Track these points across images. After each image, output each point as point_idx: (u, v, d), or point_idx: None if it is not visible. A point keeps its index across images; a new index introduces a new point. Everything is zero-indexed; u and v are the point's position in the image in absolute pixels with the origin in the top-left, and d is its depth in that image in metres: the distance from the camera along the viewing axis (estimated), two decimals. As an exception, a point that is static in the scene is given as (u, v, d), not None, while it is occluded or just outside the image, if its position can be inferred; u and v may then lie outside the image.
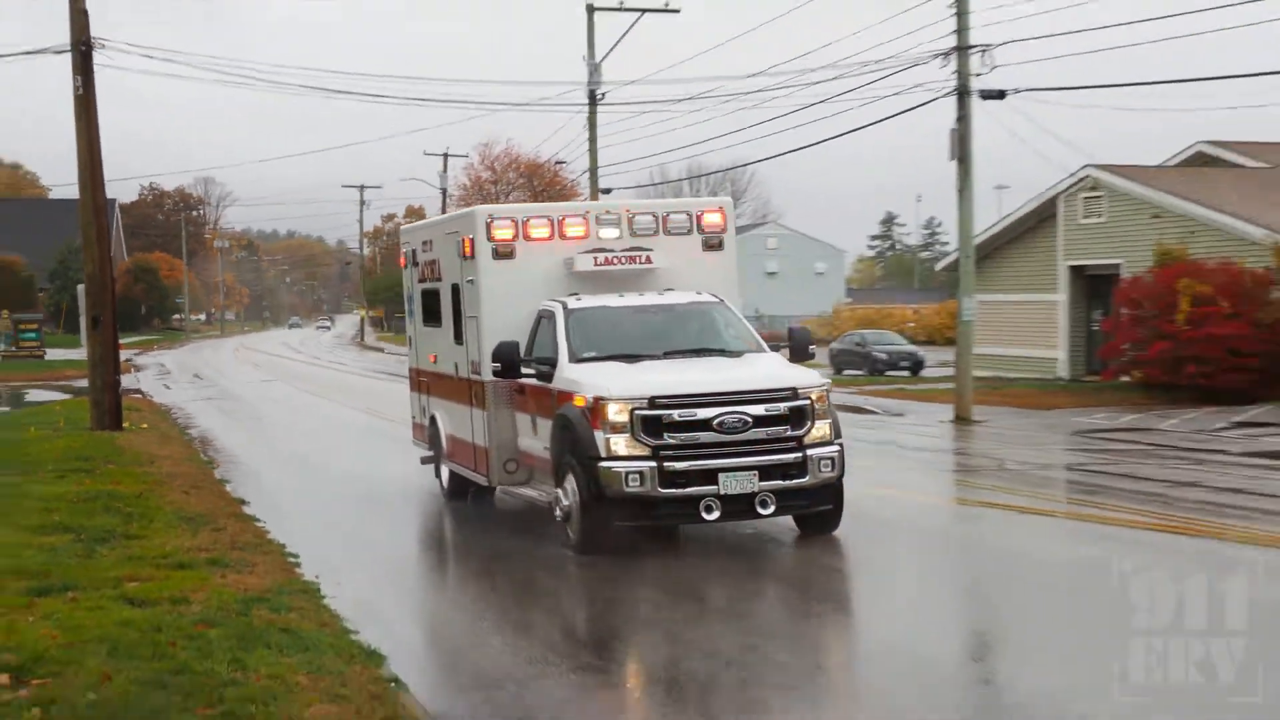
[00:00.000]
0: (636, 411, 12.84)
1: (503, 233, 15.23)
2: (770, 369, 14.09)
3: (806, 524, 14.18)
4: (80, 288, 30.56)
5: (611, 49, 42.33)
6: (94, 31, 25.79)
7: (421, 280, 18.63)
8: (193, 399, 39.98)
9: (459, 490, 17.44)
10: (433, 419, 18.28)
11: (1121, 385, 33.32)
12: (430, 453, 18.58)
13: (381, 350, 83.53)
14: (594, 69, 42.63)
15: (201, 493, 17.66)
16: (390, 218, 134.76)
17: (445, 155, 79.33)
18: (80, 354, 33.36)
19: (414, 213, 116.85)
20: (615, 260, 15.30)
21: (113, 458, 20.80)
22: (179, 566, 11.91)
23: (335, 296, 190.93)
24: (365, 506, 18.05)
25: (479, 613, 12.04)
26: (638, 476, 12.71)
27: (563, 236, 15.43)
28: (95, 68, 25.89)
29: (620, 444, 12.82)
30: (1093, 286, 38.84)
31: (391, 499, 18.72)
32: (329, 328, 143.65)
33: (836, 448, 13.40)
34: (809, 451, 13.13)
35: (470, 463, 16.45)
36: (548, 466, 14.23)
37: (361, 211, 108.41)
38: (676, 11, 41.42)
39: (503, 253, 15.24)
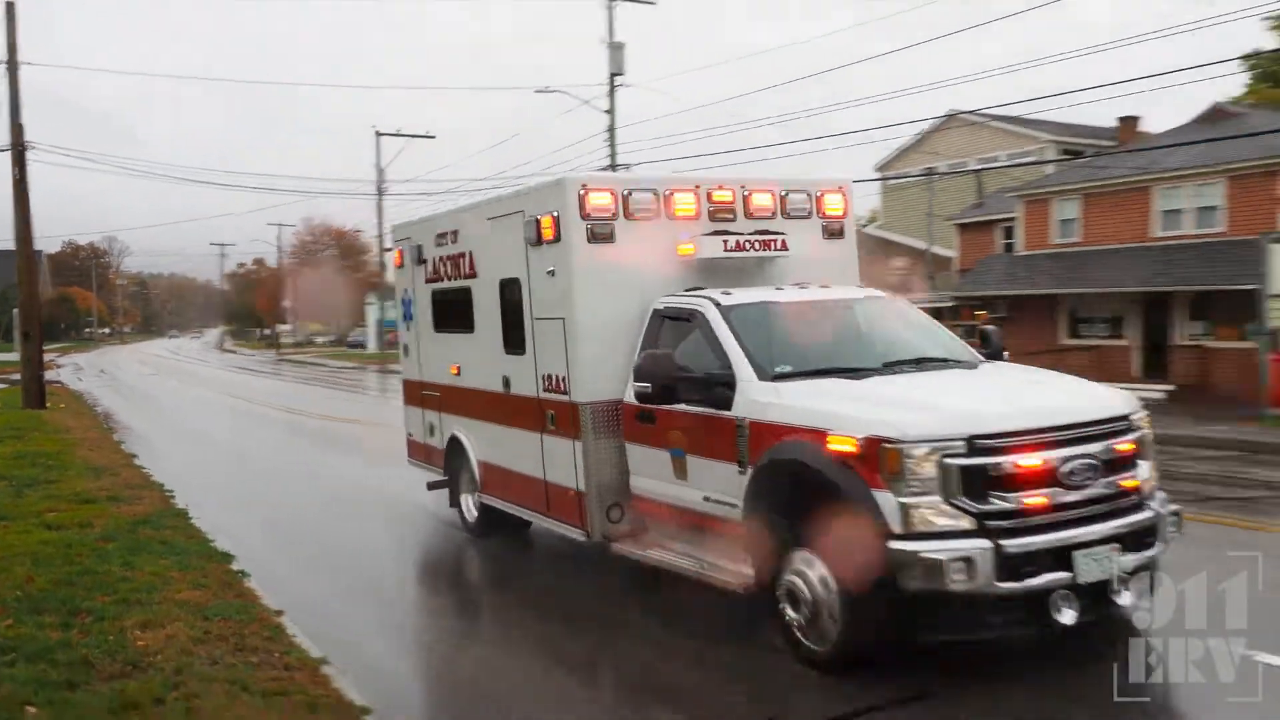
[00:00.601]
0: (947, 459, 5.41)
1: (600, 209, 7.73)
2: (1080, 386, 6.50)
3: None
4: (15, 311, 28.74)
5: (392, 160, 42.58)
6: (28, 137, 23.80)
7: (434, 279, 10.10)
8: (98, 387, 36.48)
9: (490, 528, 9.60)
10: (453, 441, 9.98)
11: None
12: (443, 478, 10.29)
13: (235, 353, 78.59)
14: (381, 173, 42.10)
15: (104, 450, 16.23)
16: (242, 265, 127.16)
17: (280, 225, 76.17)
18: (15, 357, 30.35)
19: (259, 263, 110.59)
20: (747, 245, 7.99)
21: (38, 427, 19.02)
22: (86, 501, 10.97)
23: (205, 316, 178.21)
24: (224, 458, 17.03)
25: (295, 511, 11.43)
26: (963, 565, 5.30)
27: (670, 215, 7.93)
28: (28, 162, 23.83)
29: (928, 511, 5.41)
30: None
31: (242, 453, 17.58)
32: (200, 337, 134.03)
33: (1166, 495, 6.25)
34: (1154, 507, 5.99)
35: (539, 504, 8.51)
36: (698, 521, 6.94)
37: (221, 261, 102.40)
38: (433, 137, 42.26)
39: (599, 234, 7.71)
